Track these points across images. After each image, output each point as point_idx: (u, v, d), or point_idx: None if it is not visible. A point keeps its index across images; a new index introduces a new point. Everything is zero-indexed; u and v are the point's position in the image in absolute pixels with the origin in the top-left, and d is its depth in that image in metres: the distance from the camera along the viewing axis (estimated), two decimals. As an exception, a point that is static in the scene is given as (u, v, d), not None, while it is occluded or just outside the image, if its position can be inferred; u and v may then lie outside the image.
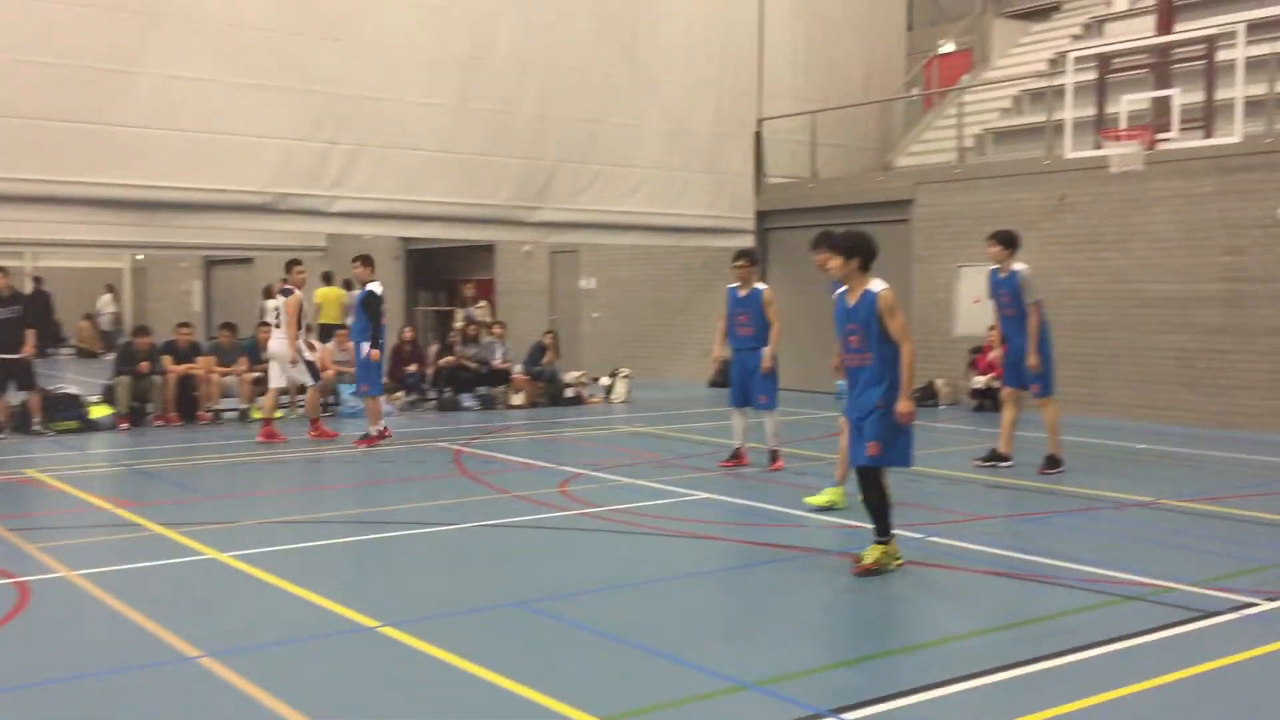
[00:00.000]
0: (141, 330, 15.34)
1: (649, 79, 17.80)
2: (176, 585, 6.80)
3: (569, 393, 17.52)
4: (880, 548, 6.82)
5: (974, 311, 16.66)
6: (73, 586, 6.61)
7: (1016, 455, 11.07)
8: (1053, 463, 10.75)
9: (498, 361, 17.51)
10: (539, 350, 17.61)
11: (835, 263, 6.85)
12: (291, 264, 13.70)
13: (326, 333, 17.43)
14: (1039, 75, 18.49)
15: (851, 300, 6.84)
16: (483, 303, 21.03)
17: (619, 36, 17.45)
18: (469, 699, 4.86)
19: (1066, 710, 4.69)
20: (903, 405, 6.66)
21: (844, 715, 4.61)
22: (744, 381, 10.72)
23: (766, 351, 10.56)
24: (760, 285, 10.72)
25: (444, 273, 28.74)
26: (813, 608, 6.38)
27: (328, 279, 24.14)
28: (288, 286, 13.38)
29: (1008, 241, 10.77)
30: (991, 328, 16.33)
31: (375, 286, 12.68)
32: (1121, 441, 13.02)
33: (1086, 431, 13.85)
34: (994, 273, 10.83)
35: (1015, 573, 6.95)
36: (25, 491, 9.94)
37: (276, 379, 13.49)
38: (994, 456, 11.02)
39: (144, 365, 14.33)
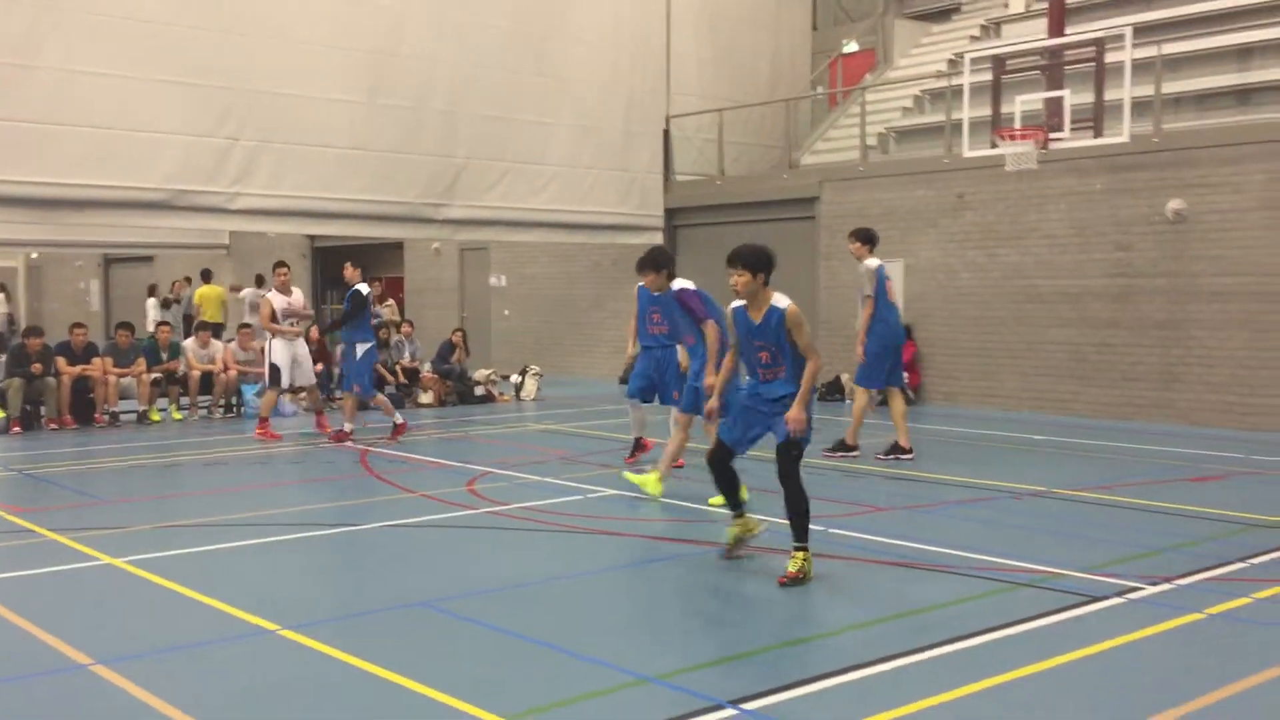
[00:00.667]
0: (34, 331, 14.90)
1: (559, 77, 17.81)
2: (69, 592, 6.65)
3: (478, 391, 17.44)
4: (802, 554, 6.66)
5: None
6: (-41, 596, 6.42)
7: (915, 448, 11.32)
8: (844, 447, 11.35)
9: (406, 360, 17.37)
10: (448, 348, 17.51)
11: (743, 279, 6.67)
12: (277, 265, 13.80)
13: (215, 333, 17.07)
14: (938, 75, 18.89)
15: (756, 317, 6.72)
16: (390, 302, 20.83)
17: (530, 34, 17.43)
18: (373, 701, 4.84)
19: (956, 695, 4.84)
20: (793, 413, 6.55)
21: (744, 705, 4.70)
22: (653, 377, 10.77)
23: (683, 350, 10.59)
24: (676, 284, 10.70)
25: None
26: (713, 601, 6.47)
27: (206, 277, 23.72)
28: (260, 290, 13.49)
29: (865, 238, 11.22)
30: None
31: (362, 287, 12.88)
32: (1018, 433, 13.39)
33: (984, 424, 14.23)
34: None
35: (910, 562, 7.13)
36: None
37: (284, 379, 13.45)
38: (894, 449, 11.26)
39: (37, 367, 13.92)
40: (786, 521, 6.75)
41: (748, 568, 7.09)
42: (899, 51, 21.61)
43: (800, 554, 6.69)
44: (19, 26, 12.99)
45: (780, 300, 6.71)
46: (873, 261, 11.09)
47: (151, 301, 24.39)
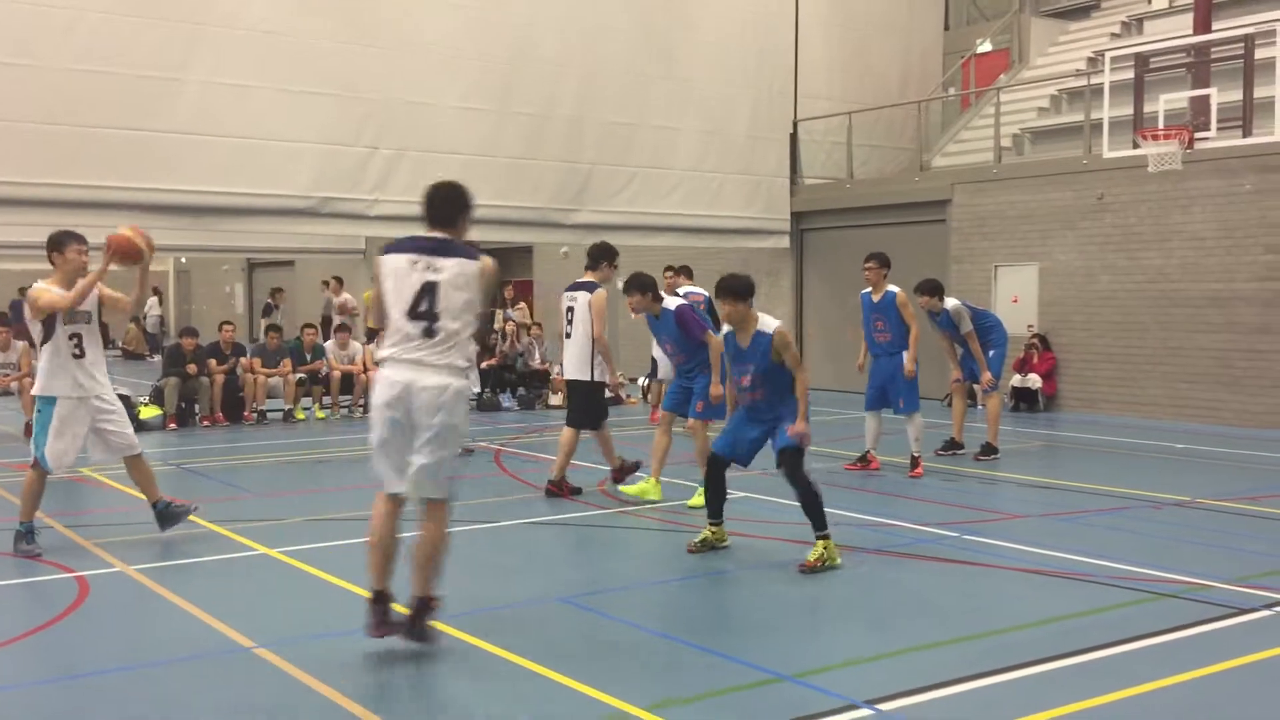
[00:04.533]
0: (189, 331, 15.64)
1: (686, 81, 17.94)
2: (230, 579, 7.02)
3: (607, 393, 17.61)
4: (823, 543, 7.01)
5: (1013, 310, 16.65)
6: (130, 580, 6.84)
7: (1044, 455, 11.10)
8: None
9: (536, 363, 17.70)
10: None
11: (731, 309, 7.05)
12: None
13: (372, 336, 17.66)
14: (1077, 74, 18.45)
15: (744, 342, 7.14)
16: (521, 304, 21.24)
17: (656, 39, 17.61)
18: (515, 688, 5.02)
19: (1093, 704, 4.78)
20: (797, 427, 6.96)
21: (879, 706, 4.73)
22: (882, 385, 10.72)
23: (908, 355, 10.48)
24: (893, 288, 10.65)
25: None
26: (850, 602, 6.49)
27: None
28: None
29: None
30: (1030, 327, 16.36)
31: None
32: (1160, 441, 13.01)
33: (1124, 431, 13.85)
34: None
35: (1047, 570, 7.02)
36: (80, 489, 10.22)
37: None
38: (950, 445, 11.68)
39: (192, 367, 14.63)
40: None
41: (881, 572, 7.09)
42: (1035, 50, 21.15)
43: (821, 542, 7.00)
44: (168, 43, 13.65)
45: (767, 324, 7.04)
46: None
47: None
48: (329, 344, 16.42)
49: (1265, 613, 6.10)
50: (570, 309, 9.60)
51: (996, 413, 11.65)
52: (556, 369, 17.72)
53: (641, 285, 9.16)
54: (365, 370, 15.95)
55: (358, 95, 14.97)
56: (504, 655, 5.38)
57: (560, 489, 9.54)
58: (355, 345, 16.45)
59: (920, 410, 10.65)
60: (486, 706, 4.83)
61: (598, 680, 5.01)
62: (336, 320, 20.55)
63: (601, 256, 9.77)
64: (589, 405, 9.68)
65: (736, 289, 7.12)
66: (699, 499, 9.08)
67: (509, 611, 6.22)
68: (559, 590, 6.58)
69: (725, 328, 7.29)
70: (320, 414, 15.73)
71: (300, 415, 15.42)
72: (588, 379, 9.61)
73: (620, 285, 9.55)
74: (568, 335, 9.65)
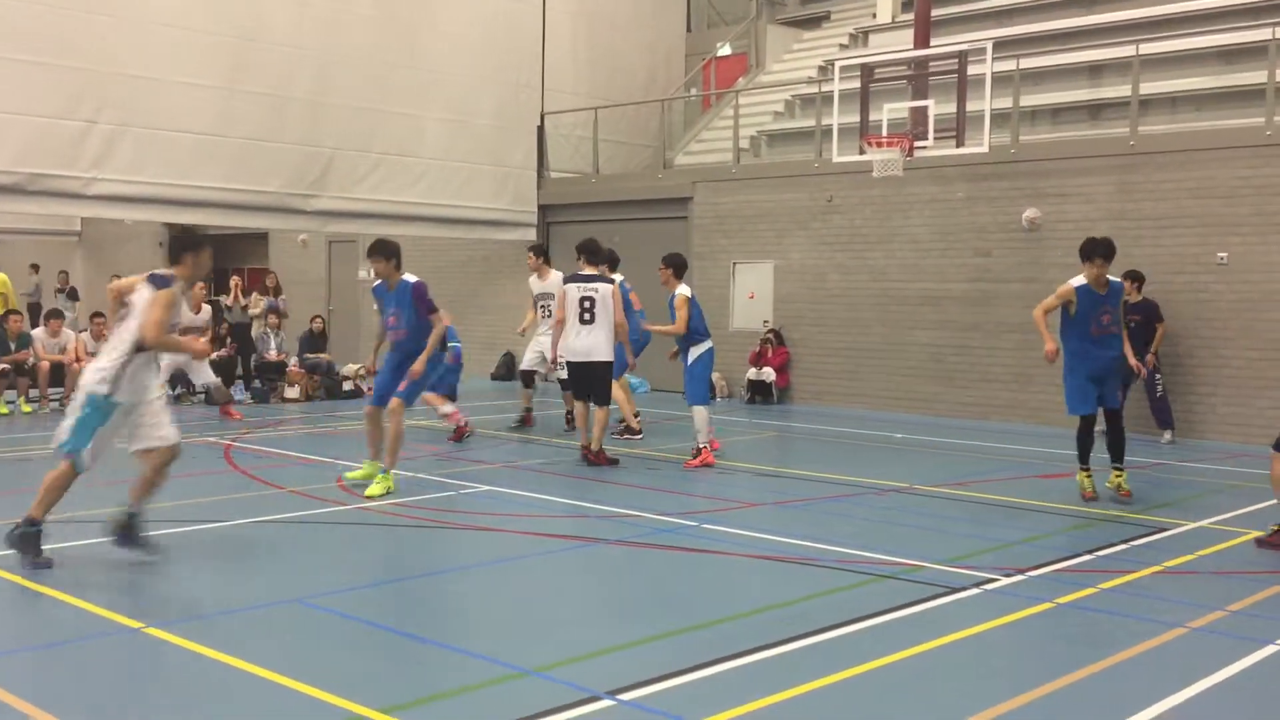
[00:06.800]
0: None
1: (431, 69, 17.63)
2: (-86, 592, 6.33)
3: (347, 386, 17.13)
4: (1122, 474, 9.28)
5: (750, 306, 17.30)
6: None
7: (780, 446, 11.56)
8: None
9: (273, 354, 16.97)
10: (309, 339, 17.12)
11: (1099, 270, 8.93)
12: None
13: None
14: (809, 81, 19.31)
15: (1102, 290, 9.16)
16: (228, 286, 20.03)
17: (398, 25, 17.20)
18: (242, 696, 4.75)
19: (823, 683, 5.00)
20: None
21: (620, 696, 4.76)
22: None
23: (693, 351, 10.94)
24: (680, 289, 10.90)
25: (215, 261, 27.53)
26: (588, 595, 6.53)
27: None
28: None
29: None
30: (766, 322, 17.04)
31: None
32: (883, 431, 13.81)
33: (850, 422, 14.63)
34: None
35: (779, 556, 7.31)
36: None
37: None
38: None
39: (-128, 356, 13.16)
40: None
41: (620, 561, 7.17)
42: (771, 56, 22.00)
43: (1117, 472, 9.32)
44: None
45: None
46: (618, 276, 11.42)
47: None
48: (38, 332, 15.15)
49: (974, 590, 6.56)
50: (589, 298, 10.66)
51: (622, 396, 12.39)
52: (293, 360, 17.04)
53: (386, 252, 9.41)
54: (77, 360, 14.82)
55: (74, 65, 13.87)
56: (230, 661, 5.09)
57: (599, 458, 10.64)
58: (68, 333, 15.25)
59: (706, 404, 10.93)
60: (210, 716, 4.55)
61: (331, 683, 4.82)
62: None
63: (598, 251, 11.15)
64: (607, 383, 10.86)
65: (1108, 252, 8.92)
66: (378, 487, 9.05)
67: (236, 615, 5.90)
68: (290, 591, 6.30)
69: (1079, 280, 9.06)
70: (26, 408, 14.49)
71: (3, 410, 14.16)
72: (608, 360, 10.77)
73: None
74: (586, 321, 10.66)
